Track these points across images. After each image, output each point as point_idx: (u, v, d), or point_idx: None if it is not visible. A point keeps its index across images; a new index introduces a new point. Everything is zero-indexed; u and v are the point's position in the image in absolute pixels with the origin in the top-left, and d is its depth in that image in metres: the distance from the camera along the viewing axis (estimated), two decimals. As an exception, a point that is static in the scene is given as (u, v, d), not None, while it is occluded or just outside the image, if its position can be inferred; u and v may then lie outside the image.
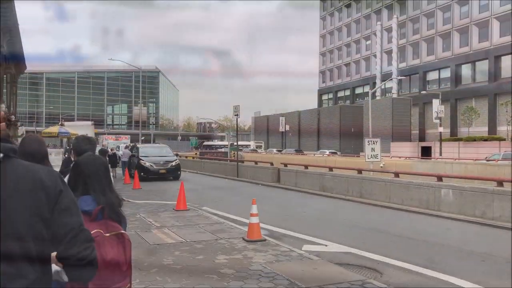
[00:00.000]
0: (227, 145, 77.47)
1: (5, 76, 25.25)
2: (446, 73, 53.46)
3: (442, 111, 41.67)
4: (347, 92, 72.53)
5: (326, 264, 6.76)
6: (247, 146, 66.63)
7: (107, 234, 2.38)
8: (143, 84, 67.22)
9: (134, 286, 5.48)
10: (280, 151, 63.54)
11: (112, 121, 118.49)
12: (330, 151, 54.34)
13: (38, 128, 62.21)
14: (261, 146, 72.61)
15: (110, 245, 2.36)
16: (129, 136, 69.02)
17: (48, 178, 1.58)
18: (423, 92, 49.27)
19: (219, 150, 56.11)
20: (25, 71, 34.05)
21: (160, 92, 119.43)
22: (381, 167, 22.30)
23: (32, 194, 1.50)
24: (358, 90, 70.00)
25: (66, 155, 11.03)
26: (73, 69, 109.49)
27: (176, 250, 7.38)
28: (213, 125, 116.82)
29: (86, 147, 4.15)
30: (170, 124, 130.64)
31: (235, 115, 24.87)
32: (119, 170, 23.32)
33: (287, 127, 65.44)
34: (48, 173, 1.62)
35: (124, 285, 2.39)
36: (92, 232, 2.27)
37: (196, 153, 43.13)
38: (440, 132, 41.48)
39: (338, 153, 50.24)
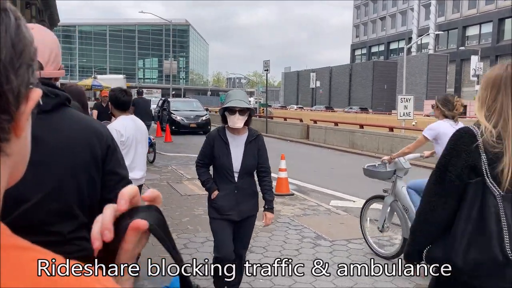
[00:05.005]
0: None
1: (39, 28, 25.57)
2: (487, 28, 50.75)
3: (480, 68, 39.95)
4: (381, 48, 70.26)
5: (353, 219, 6.84)
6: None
7: None
8: (173, 38, 66.93)
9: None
10: (284, 107, 62.39)
11: (144, 74, 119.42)
12: (298, 106, 53.54)
13: (72, 81, 63.58)
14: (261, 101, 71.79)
15: None
16: (160, 90, 69.53)
17: (102, 128, 1.57)
18: (462, 48, 47.15)
19: None
20: (58, 24, 34.30)
21: (190, 46, 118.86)
22: (414, 125, 21.83)
23: (90, 146, 1.46)
24: (393, 46, 67.67)
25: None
26: (104, 22, 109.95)
27: (207, 201, 7.60)
28: (242, 81, 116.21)
29: (124, 99, 4.35)
30: (200, 78, 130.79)
31: (265, 70, 24.58)
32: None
33: (318, 84, 64.35)
34: (99, 124, 1.63)
35: None
36: None
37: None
38: (477, 91, 39.85)
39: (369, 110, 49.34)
